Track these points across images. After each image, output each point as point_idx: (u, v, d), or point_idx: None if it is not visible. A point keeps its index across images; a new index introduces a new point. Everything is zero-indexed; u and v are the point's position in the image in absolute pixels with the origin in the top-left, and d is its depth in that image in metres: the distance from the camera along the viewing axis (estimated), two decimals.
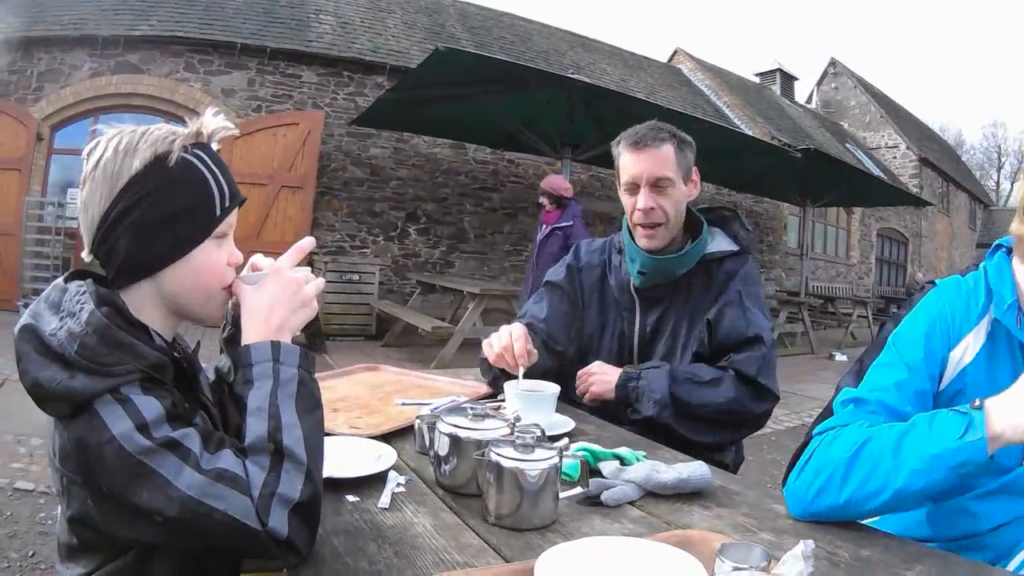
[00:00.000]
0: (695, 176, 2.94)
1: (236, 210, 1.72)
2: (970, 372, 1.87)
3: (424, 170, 16.71)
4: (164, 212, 1.60)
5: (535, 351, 2.70)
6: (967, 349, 1.89)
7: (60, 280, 1.65)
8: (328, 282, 13.14)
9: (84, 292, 1.56)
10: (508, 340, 2.65)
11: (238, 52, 14.95)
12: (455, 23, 20.58)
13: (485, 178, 17.31)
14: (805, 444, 1.89)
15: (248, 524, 1.41)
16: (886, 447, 1.68)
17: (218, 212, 1.65)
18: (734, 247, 2.95)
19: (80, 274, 1.67)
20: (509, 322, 2.85)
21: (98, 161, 1.62)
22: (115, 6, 15.36)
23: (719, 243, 2.95)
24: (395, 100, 12.82)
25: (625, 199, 2.92)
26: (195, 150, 1.66)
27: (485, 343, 2.77)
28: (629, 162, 2.86)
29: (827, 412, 1.94)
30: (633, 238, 2.95)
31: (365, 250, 15.96)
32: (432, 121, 14.30)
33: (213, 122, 1.71)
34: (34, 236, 13.60)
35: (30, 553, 4.43)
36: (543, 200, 9.58)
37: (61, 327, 1.50)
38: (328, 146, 15.49)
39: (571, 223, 9.22)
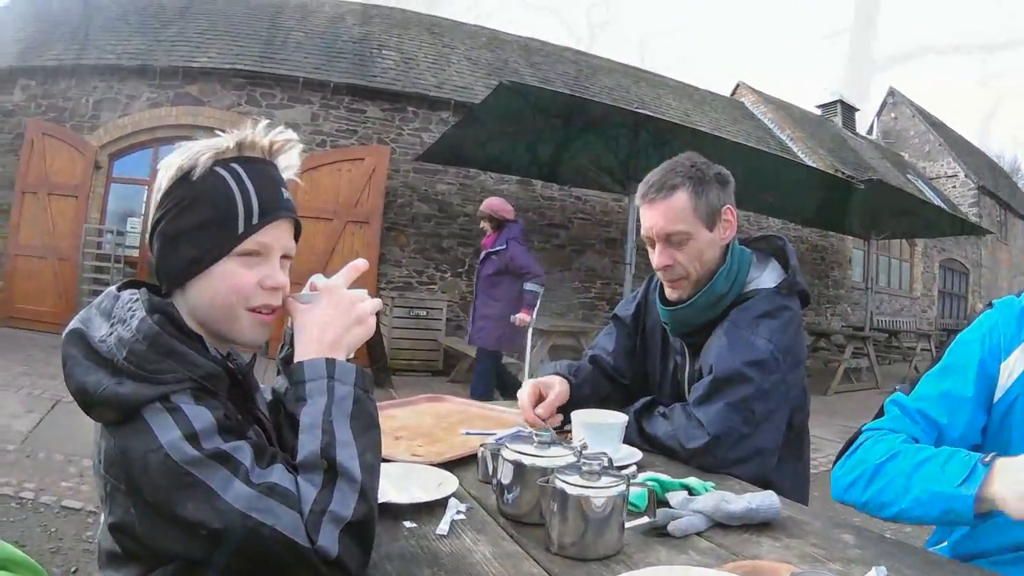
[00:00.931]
0: (728, 215, 2.71)
1: (274, 230, 1.69)
2: (1019, 385, 1.95)
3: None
4: (182, 226, 1.62)
5: (551, 405, 2.66)
6: (1017, 362, 1.96)
7: (113, 288, 1.66)
8: (395, 317, 13.26)
9: (136, 300, 1.57)
10: (524, 401, 2.65)
11: (300, 86, 15.10)
12: (518, 59, 20.63)
13: (552, 215, 17.22)
14: (855, 438, 2.10)
15: (297, 541, 1.39)
16: (905, 468, 1.83)
17: (240, 229, 1.63)
18: (776, 280, 2.74)
19: (135, 284, 1.68)
20: (576, 359, 2.83)
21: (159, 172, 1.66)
22: (171, 38, 15.67)
23: (767, 277, 2.76)
24: (461, 135, 12.84)
25: (649, 252, 2.76)
26: (233, 164, 1.65)
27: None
28: (642, 215, 2.72)
29: (880, 412, 2.13)
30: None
31: (432, 286, 15.94)
32: (498, 157, 14.27)
33: (266, 136, 1.71)
34: (92, 263, 13.88)
35: (73, 569, 4.48)
36: (484, 225, 9.32)
37: (111, 333, 1.51)
38: (394, 181, 15.49)
39: (504, 246, 8.96)
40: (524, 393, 2.66)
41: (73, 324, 1.55)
